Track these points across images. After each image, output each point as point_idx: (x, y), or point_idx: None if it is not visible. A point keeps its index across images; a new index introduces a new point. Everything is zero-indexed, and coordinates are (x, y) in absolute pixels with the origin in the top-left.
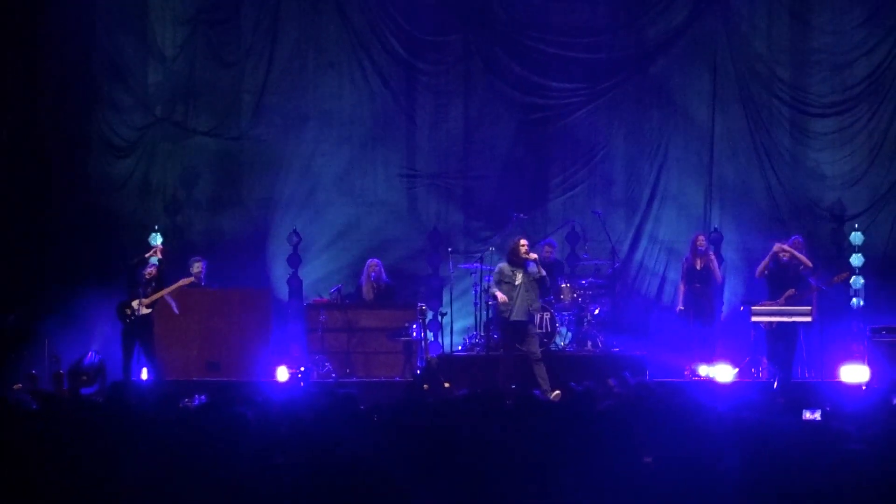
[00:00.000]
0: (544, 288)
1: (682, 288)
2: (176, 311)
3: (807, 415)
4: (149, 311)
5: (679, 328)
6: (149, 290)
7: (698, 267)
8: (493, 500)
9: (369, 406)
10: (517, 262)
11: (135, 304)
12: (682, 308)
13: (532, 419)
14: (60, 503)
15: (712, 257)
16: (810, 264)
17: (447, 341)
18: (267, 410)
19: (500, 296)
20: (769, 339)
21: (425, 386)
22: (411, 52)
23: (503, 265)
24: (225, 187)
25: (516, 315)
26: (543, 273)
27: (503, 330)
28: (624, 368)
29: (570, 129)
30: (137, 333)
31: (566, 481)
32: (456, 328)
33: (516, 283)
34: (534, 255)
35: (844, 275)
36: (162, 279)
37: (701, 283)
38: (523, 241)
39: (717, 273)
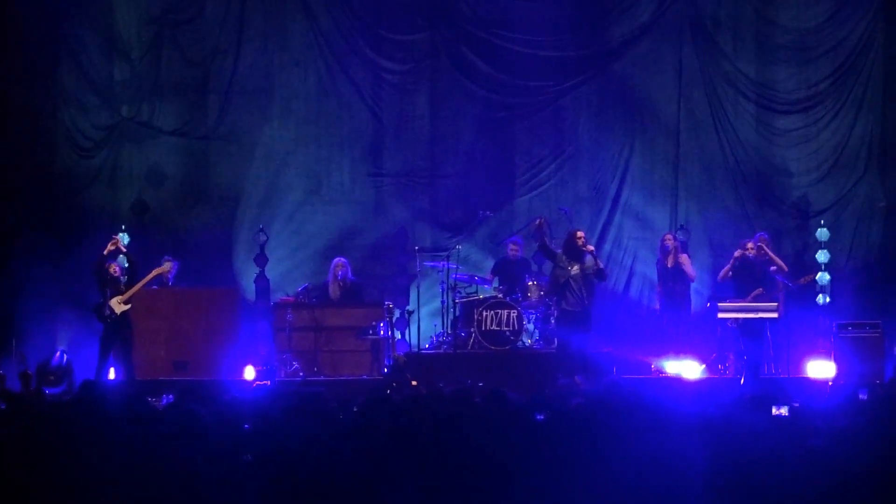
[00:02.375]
0: (601, 280)
1: (658, 288)
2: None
3: (775, 410)
4: (127, 307)
5: (647, 325)
6: (120, 286)
7: (669, 265)
8: (461, 498)
9: (336, 404)
10: (573, 253)
11: (112, 303)
12: (658, 307)
13: (501, 417)
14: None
15: (682, 254)
16: (785, 268)
17: (414, 339)
18: (234, 409)
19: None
20: (736, 335)
21: (392, 384)
22: (377, 51)
23: (561, 251)
24: (191, 187)
25: (570, 305)
26: (601, 265)
27: (557, 319)
28: (588, 366)
29: (536, 127)
30: (118, 333)
31: (535, 478)
32: (423, 326)
33: (572, 272)
34: (591, 247)
35: (810, 277)
36: (134, 273)
37: (674, 282)
38: (580, 233)
39: (690, 270)
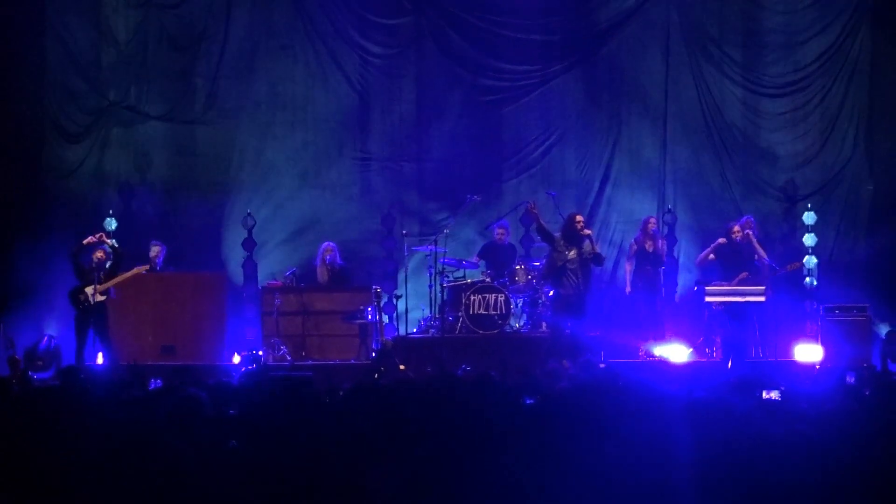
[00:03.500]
0: (598, 265)
1: (628, 268)
2: (112, 295)
3: (766, 394)
4: (103, 297)
5: (632, 309)
6: (101, 275)
7: (649, 249)
8: (450, 483)
9: (324, 389)
10: (571, 237)
11: (88, 290)
12: (629, 290)
13: (488, 401)
14: (13, 488)
15: (663, 240)
16: (766, 258)
17: (402, 324)
18: (221, 393)
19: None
20: (723, 318)
21: (380, 368)
22: (364, 35)
23: (559, 235)
24: (179, 171)
25: (565, 289)
26: (598, 250)
27: (552, 303)
28: (580, 350)
29: (523, 111)
30: (92, 321)
31: (523, 462)
32: (411, 310)
33: (569, 257)
34: (589, 231)
35: (797, 264)
36: (117, 264)
37: (652, 266)
38: (580, 217)
39: (664, 255)
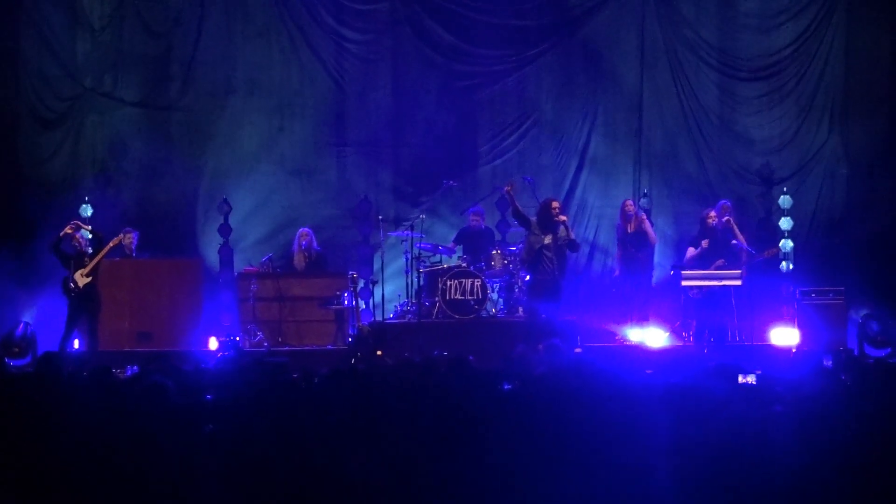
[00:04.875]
0: (573, 251)
1: (617, 253)
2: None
3: (742, 379)
4: (88, 279)
5: (609, 293)
6: (85, 259)
7: (630, 231)
8: (426, 468)
9: (300, 375)
10: (546, 222)
11: (76, 276)
12: (617, 273)
13: (465, 386)
14: None
15: (644, 218)
16: (745, 244)
17: (378, 309)
18: (197, 379)
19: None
20: (700, 303)
21: (357, 354)
22: (339, 21)
23: (535, 220)
24: (154, 157)
25: (541, 274)
26: (573, 236)
27: (529, 287)
28: (554, 334)
29: (499, 96)
30: (85, 306)
31: (501, 447)
32: (387, 296)
33: (544, 241)
34: (564, 217)
35: (774, 250)
36: (99, 245)
37: (634, 248)
38: (556, 203)
39: (651, 234)
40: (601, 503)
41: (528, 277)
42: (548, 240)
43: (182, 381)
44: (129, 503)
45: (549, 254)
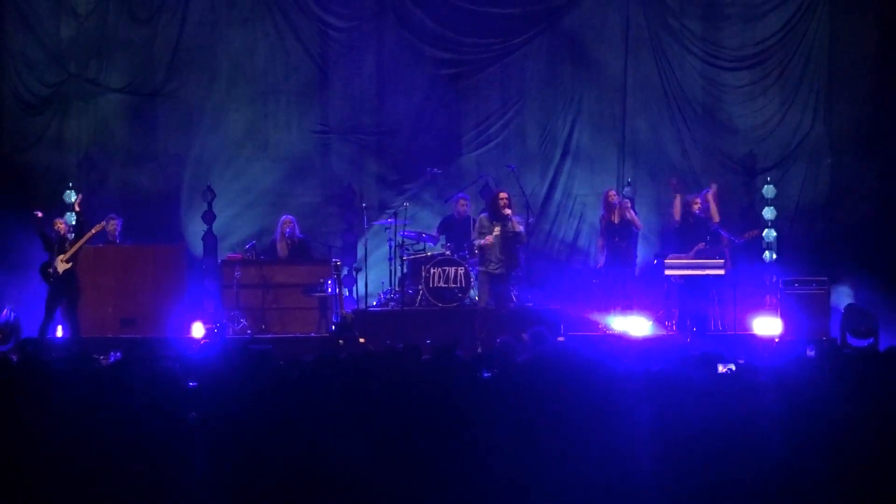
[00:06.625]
0: (521, 244)
1: (600, 243)
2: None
3: (721, 368)
4: (68, 265)
5: (593, 283)
6: (66, 245)
7: (615, 221)
8: (408, 455)
9: (284, 362)
10: (495, 215)
11: (57, 261)
12: (601, 265)
13: (448, 374)
14: None
15: (628, 206)
16: (717, 217)
17: (362, 297)
18: (181, 366)
19: (488, 238)
20: (682, 291)
21: (340, 341)
22: (324, 8)
23: (483, 216)
24: (139, 143)
25: (486, 266)
26: (520, 229)
27: (480, 281)
28: (538, 323)
29: (483, 84)
30: (63, 292)
31: (483, 435)
32: (371, 283)
33: (494, 232)
34: (508, 211)
35: (755, 232)
36: (82, 231)
37: (620, 238)
38: (503, 195)
39: (637, 221)
40: (583, 489)
41: (479, 269)
42: (496, 232)
43: (166, 368)
44: (112, 490)
45: (496, 246)
